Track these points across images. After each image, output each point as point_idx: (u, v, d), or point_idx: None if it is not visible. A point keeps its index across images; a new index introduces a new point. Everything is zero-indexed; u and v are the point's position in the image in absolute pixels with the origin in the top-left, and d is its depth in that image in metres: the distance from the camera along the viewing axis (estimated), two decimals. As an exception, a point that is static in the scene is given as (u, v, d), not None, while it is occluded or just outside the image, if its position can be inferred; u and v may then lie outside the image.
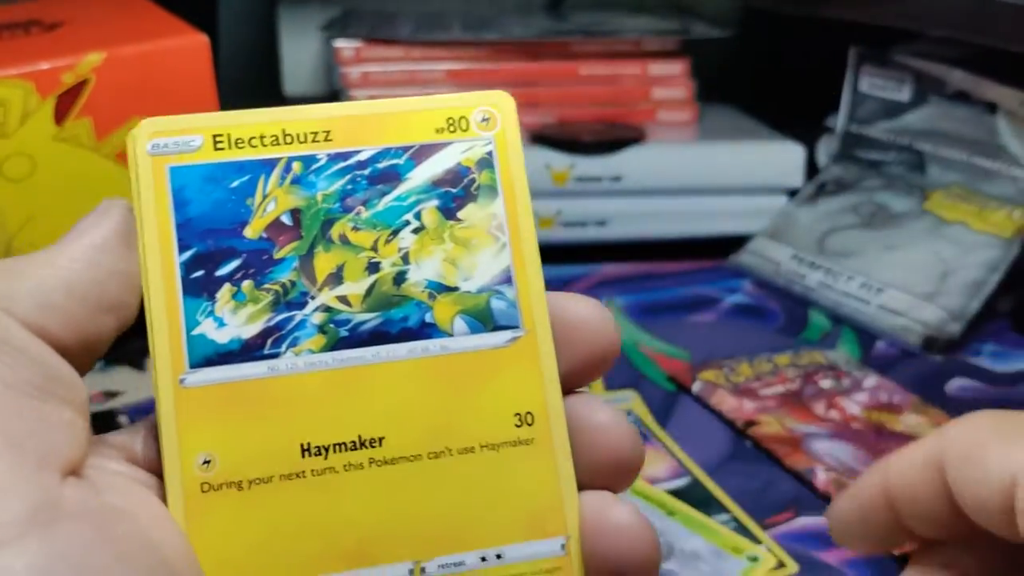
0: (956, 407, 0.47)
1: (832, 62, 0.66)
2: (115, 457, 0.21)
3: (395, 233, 0.22)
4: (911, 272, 0.56)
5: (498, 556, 0.21)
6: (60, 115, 0.45)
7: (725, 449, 0.45)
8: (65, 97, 0.45)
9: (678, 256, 0.63)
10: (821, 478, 0.42)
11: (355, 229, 0.22)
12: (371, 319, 0.21)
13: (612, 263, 0.62)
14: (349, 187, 0.22)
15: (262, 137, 0.21)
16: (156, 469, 0.21)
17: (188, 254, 0.21)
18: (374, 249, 0.22)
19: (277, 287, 0.21)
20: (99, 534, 0.18)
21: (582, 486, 0.22)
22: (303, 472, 0.21)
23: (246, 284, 0.21)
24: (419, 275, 0.22)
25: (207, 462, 0.20)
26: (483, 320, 0.22)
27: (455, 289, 0.22)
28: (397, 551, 0.21)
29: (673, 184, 0.64)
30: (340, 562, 0.21)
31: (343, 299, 0.21)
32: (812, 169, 0.67)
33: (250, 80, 0.66)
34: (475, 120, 0.23)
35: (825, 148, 0.68)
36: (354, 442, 0.21)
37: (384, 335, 0.21)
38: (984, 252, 0.56)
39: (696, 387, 0.49)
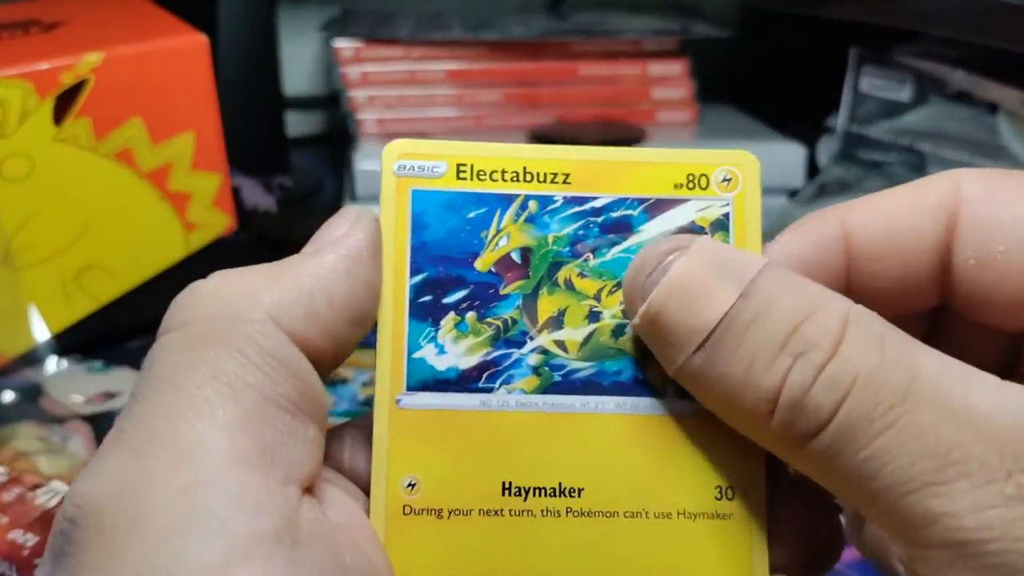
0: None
1: (832, 62, 0.66)
2: (326, 465, 0.21)
3: (620, 285, 0.21)
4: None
5: None
6: (59, 115, 0.45)
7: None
8: (64, 97, 0.45)
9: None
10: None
11: (581, 276, 0.22)
12: (585, 368, 0.21)
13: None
14: (581, 232, 0.22)
15: (503, 172, 0.22)
16: (357, 478, 0.21)
17: (419, 278, 0.21)
18: (597, 298, 0.22)
19: (499, 322, 0.21)
20: (333, 559, 0.18)
21: (775, 570, 0.21)
22: (501, 510, 0.21)
23: (470, 315, 0.21)
24: None
25: (412, 485, 0.21)
26: None
27: None
28: None
29: (673, 184, 0.63)
30: None
31: (560, 344, 0.21)
32: (813, 170, 0.67)
33: (250, 80, 0.66)
34: (716, 179, 0.22)
35: (826, 148, 0.68)
36: (554, 489, 0.21)
37: (596, 386, 0.21)
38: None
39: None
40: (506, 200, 0.22)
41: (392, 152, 0.22)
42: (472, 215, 0.22)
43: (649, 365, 0.21)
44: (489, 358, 0.21)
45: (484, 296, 0.21)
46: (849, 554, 0.38)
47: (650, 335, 0.20)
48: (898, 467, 0.17)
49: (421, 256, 0.21)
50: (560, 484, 0.21)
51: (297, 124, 0.73)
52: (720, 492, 0.21)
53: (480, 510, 0.21)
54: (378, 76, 0.66)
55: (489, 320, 0.21)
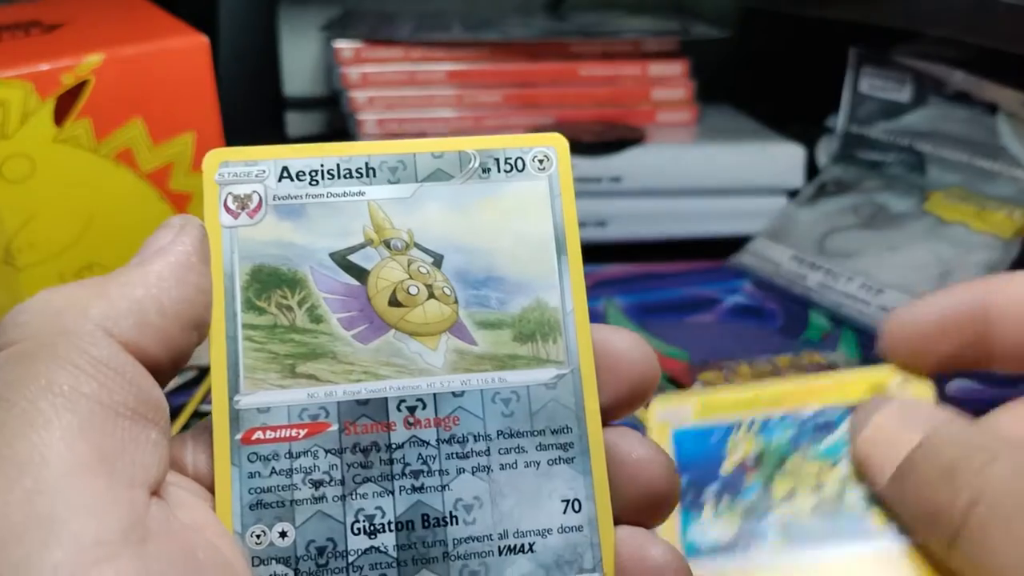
0: (956, 408, 0.47)
1: (832, 62, 0.66)
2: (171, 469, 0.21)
3: (835, 465, 0.27)
4: (911, 273, 0.56)
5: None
6: (60, 116, 0.45)
7: (725, 450, 0.45)
8: (65, 98, 0.45)
9: (678, 257, 0.63)
10: (821, 479, 0.42)
11: (804, 461, 0.27)
12: (816, 527, 0.26)
13: (612, 264, 0.62)
14: (797, 434, 0.28)
15: (736, 404, 0.28)
16: (201, 479, 0.22)
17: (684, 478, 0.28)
18: (819, 475, 0.27)
19: (746, 503, 0.27)
20: (184, 555, 0.19)
21: (617, 520, 0.22)
22: None
23: (724, 500, 0.27)
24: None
25: None
26: None
27: None
28: None
29: (673, 185, 0.64)
30: None
31: (795, 512, 0.27)
32: (812, 170, 0.67)
33: (250, 80, 0.66)
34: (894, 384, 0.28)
35: (825, 149, 0.68)
36: None
37: (828, 537, 0.26)
38: (984, 253, 0.56)
39: (696, 388, 0.49)
40: (737, 424, 0.28)
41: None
42: (714, 440, 0.28)
43: (870, 515, 0.26)
44: (743, 528, 0.26)
45: (732, 487, 0.27)
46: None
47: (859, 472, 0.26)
48: None
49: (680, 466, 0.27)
50: None
51: (297, 124, 0.73)
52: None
53: None
54: (378, 77, 0.66)
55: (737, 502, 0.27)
